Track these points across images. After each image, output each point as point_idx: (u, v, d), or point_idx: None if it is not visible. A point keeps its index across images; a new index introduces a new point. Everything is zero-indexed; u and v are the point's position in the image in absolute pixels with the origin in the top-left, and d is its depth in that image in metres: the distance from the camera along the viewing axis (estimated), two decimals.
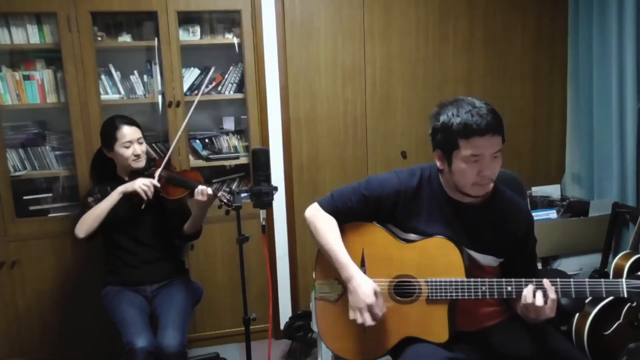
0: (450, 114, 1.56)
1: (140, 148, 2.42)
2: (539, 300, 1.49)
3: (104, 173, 2.53)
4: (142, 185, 2.30)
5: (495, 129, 1.53)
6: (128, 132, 2.39)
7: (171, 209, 2.46)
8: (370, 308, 1.60)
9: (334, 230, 1.74)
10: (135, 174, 2.41)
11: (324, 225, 1.75)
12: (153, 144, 2.95)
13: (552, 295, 1.50)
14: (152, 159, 2.53)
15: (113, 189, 2.44)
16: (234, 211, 2.21)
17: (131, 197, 2.38)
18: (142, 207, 2.33)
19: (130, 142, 2.38)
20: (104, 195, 2.43)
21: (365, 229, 1.77)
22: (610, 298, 2.39)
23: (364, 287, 1.62)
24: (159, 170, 2.39)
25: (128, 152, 2.38)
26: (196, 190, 2.28)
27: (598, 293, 1.51)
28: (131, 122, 2.43)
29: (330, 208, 1.78)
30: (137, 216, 2.39)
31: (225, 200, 2.23)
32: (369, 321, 1.60)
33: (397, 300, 1.68)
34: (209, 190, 2.26)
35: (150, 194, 2.30)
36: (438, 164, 1.66)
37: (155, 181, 2.32)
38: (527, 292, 1.51)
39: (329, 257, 1.73)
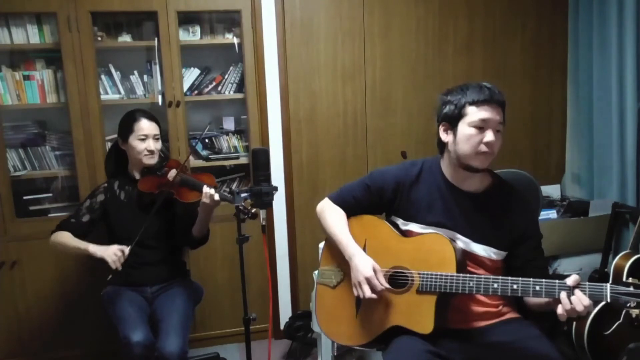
0: (460, 89, 1.72)
1: (155, 145, 2.38)
2: (579, 305, 1.47)
3: (115, 167, 2.50)
4: (113, 255, 2.17)
5: (499, 101, 1.68)
6: (145, 126, 2.36)
7: (181, 212, 2.41)
8: (368, 281, 1.69)
9: (341, 218, 1.87)
10: (147, 171, 2.38)
11: (332, 214, 1.88)
12: None
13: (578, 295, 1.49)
14: (165, 158, 2.48)
15: (121, 186, 2.45)
16: (250, 219, 2.12)
17: (141, 202, 2.37)
18: (108, 278, 2.21)
19: (146, 135, 2.35)
20: (109, 194, 2.44)
21: (371, 222, 1.86)
22: None
23: (363, 263, 1.72)
24: (174, 170, 2.34)
25: (141, 146, 2.35)
26: (203, 191, 2.21)
27: None
28: (151, 118, 2.40)
29: (339, 200, 1.91)
30: (141, 219, 2.33)
31: (242, 208, 2.10)
32: (368, 293, 1.68)
33: (390, 290, 1.73)
34: (217, 197, 2.19)
35: (119, 266, 2.16)
36: (443, 137, 1.75)
37: (127, 250, 2.19)
38: (564, 299, 1.49)
39: (334, 242, 1.84)
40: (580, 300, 1.47)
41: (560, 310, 1.50)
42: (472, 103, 1.66)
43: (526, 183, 2.06)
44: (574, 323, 2.50)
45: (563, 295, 1.49)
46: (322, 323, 1.89)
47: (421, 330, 1.65)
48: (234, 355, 2.98)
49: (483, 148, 1.65)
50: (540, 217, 2.91)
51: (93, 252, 2.23)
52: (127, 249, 2.21)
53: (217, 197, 2.20)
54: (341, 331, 1.84)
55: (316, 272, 2.01)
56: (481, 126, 1.65)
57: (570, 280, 1.50)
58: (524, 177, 2.09)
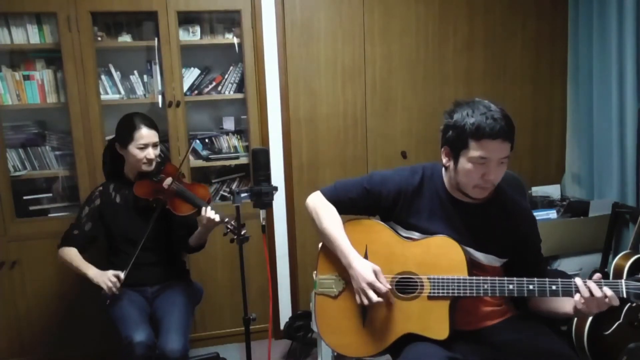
0: (465, 114, 1.58)
1: (154, 152, 2.36)
2: (597, 291, 1.48)
3: (111, 168, 2.50)
4: (108, 281, 2.23)
5: (506, 135, 1.55)
6: (146, 135, 2.33)
7: (176, 222, 2.41)
8: (371, 285, 1.64)
9: (336, 218, 1.80)
10: (142, 176, 2.38)
11: (326, 213, 1.81)
12: None
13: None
14: (162, 162, 2.49)
15: (116, 188, 2.44)
16: (242, 241, 2.14)
17: (137, 205, 2.38)
18: (107, 303, 2.26)
19: (146, 145, 2.33)
20: (104, 197, 2.43)
21: (370, 227, 1.80)
22: None
23: (362, 269, 1.67)
24: (169, 179, 2.34)
25: (141, 155, 2.33)
26: (202, 213, 2.24)
27: None
28: (151, 125, 2.37)
29: (332, 197, 1.84)
30: (138, 222, 2.36)
31: (231, 228, 2.16)
32: (374, 297, 1.63)
33: (399, 297, 1.69)
34: (217, 219, 2.22)
35: (115, 291, 2.22)
36: (444, 160, 1.68)
37: (122, 275, 2.24)
38: (581, 286, 1.49)
39: (330, 244, 1.78)
40: (605, 292, 1.46)
41: (577, 297, 1.49)
42: (474, 138, 1.55)
43: (513, 182, 2.05)
44: (574, 323, 2.50)
45: (583, 288, 1.48)
46: (325, 335, 1.81)
47: (436, 337, 1.62)
48: (234, 355, 2.98)
49: (482, 183, 1.60)
50: (540, 217, 2.94)
51: (91, 278, 2.28)
52: (122, 274, 2.25)
53: (217, 219, 2.23)
54: (348, 343, 1.76)
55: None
56: (482, 162, 1.57)
57: (594, 278, 1.50)
58: (510, 175, 2.06)
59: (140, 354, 2.07)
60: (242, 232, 2.15)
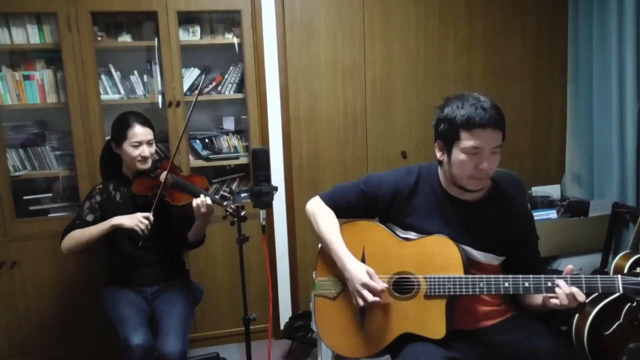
0: (455, 106, 1.62)
1: (149, 150, 2.36)
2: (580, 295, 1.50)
3: (110, 167, 2.50)
4: (139, 222, 2.23)
5: (496, 123, 1.58)
6: (139, 132, 2.34)
7: (176, 215, 2.41)
8: (365, 286, 1.65)
9: (333, 222, 1.81)
10: (140, 175, 2.38)
11: (323, 217, 1.83)
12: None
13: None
14: (159, 160, 2.49)
15: (116, 187, 2.44)
16: (240, 221, 2.13)
17: (137, 203, 2.37)
18: (140, 245, 2.27)
19: (140, 142, 2.33)
20: (105, 194, 2.43)
21: (367, 228, 1.81)
22: (610, 298, 2.39)
23: (356, 271, 1.68)
24: (165, 172, 2.34)
25: (135, 152, 2.34)
26: (195, 202, 2.21)
27: (594, 289, 1.54)
28: (145, 122, 2.37)
29: (330, 201, 1.86)
30: None
31: (230, 211, 2.15)
32: (370, 297, 1.64)
33: (396, 297, 1.70)
34: (208, 201, 2.20)
35: (147, 231, 2.23)
36: (438, 154, 1.70)
37: (151, 216, 2.25)
38: (565, 289, 1.51)
39: (326, 247, 1.80)
40: (565, 290, 1.50)
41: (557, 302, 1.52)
42: (466, 128, 1.58)
43: (513, 181, 2.06)
44: (574, 323, 2.50)
45: (575, 289, 1.51)
46: (325, 336, 1.82)
47: (433, 336, 1.63)
48: (234, 355, 2.98)
49: (476, 174, 1.61)
50: (540, 217, 2.95)
51: (119, 224, 2.25)
52: (150, 215, 2.24)
53: (208, 201, 2.20)
54: (347, 344, 1.77)
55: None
56: (475, 152, 1.59)
57: (566, 270, 1.54)
58: (510, 175, 2.08)
59: (139, 356, 2.08)
60: (242, 214, 2.13)
